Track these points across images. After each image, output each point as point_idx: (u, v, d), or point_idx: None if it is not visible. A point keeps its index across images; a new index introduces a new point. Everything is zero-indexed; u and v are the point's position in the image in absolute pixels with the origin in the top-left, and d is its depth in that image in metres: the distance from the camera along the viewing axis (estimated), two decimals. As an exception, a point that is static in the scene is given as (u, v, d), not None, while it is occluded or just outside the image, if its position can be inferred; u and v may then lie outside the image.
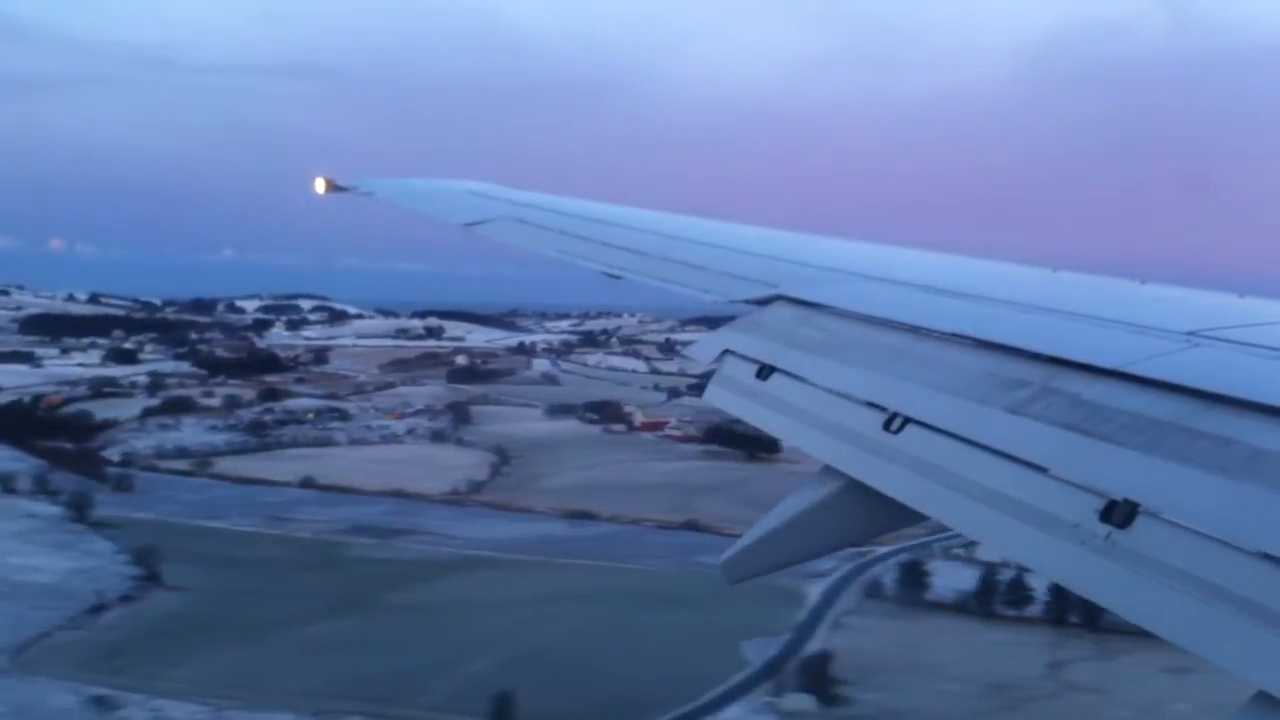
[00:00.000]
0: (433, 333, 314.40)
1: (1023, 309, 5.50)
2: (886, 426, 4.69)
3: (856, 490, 4.64)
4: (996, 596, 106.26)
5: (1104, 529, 3.42)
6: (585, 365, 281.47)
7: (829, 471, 4.87)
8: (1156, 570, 3.21)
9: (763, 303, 6.78)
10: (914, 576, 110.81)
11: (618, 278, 8.34)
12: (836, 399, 5.22)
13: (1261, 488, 3.21)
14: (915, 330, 5.49)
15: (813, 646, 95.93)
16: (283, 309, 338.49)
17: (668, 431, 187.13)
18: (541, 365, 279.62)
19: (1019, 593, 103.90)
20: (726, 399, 5.99)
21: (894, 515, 4.58)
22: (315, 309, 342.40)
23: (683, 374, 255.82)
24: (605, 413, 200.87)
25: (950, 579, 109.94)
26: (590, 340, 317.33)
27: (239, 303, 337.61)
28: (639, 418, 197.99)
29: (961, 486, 4.10)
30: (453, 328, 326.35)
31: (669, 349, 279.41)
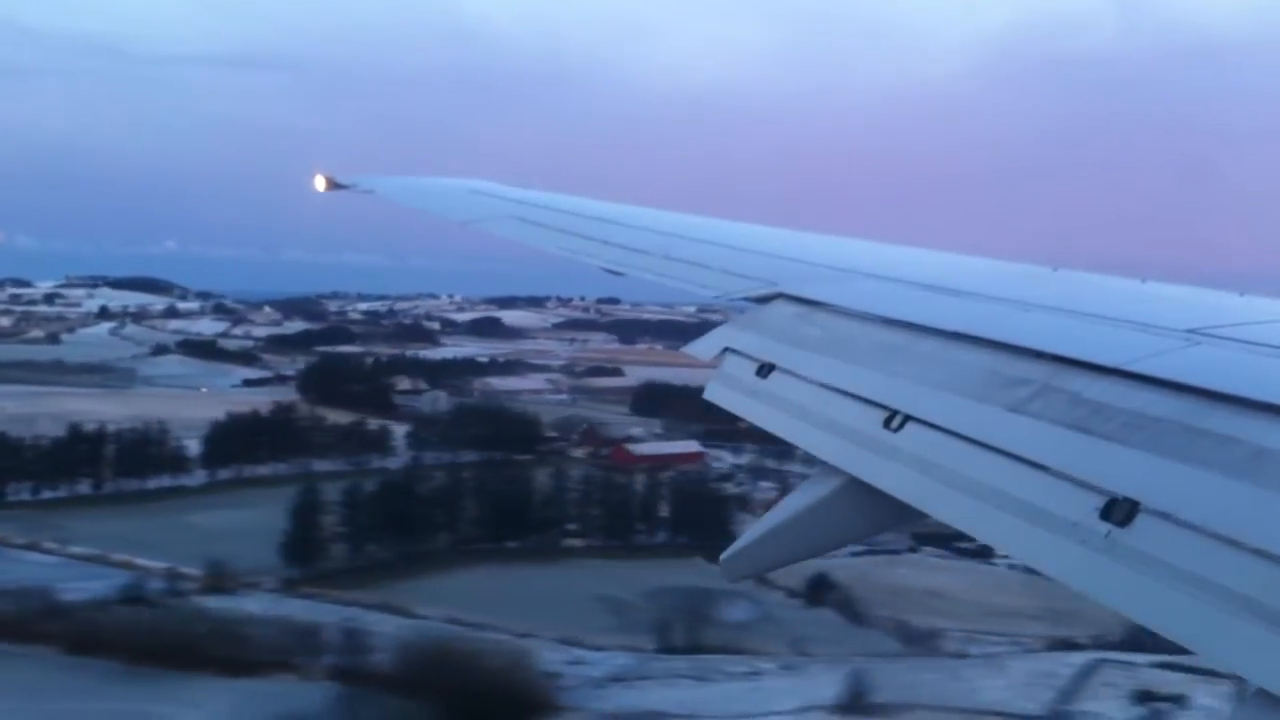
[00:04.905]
0: (49, 299, 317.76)
1: (1023, 307, 5.49)
2: (887, 424, 4.68)
3: (857, 488, 4.63)
4: None
5: (1104, 527, 3.42)
6: (153, 329, 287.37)
7: (829, 469, 4.86)
8: (1157, 568, 3.20)
9: (763, 300, 6.76)
10: None
11: (619, 274, 8.35)
12: (837, 396, 5.21)
13: (1263, 486, 3.20)
14: (916, 328, 5.48)
15: None
16: (79, 287, 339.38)
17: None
18: (100, 329, 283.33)
19: None
20: (726, 396, 5.97)
21: (894, 513, 4.57)
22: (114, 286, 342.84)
23: (227, 335, 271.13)
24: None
25: None
26: (224, 309, 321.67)
27: (38, 282, 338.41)
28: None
29: (962, 484, 4.10)
30: (121, 297, 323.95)
31: (289, 312, 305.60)
